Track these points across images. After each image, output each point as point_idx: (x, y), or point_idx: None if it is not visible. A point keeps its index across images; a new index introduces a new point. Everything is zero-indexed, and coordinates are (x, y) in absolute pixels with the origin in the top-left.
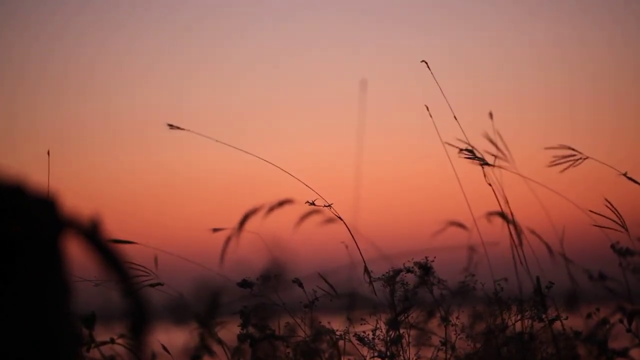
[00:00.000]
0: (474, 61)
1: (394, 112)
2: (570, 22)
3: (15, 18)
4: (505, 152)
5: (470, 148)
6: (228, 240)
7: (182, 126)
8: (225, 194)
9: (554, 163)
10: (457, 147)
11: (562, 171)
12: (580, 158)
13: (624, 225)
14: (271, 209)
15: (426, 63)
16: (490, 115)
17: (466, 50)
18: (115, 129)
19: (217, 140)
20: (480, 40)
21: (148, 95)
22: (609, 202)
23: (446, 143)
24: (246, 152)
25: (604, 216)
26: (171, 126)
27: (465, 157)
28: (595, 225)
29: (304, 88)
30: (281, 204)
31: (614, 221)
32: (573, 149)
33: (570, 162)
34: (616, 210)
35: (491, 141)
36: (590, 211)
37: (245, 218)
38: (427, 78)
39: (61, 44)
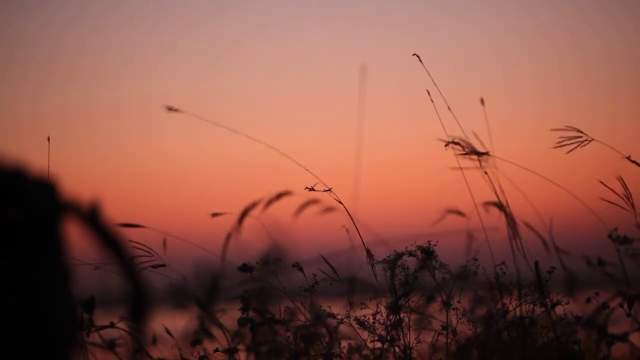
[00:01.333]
0: (468, 52)
1: (393, 100)
2: (570, 5)
3: (20, 5)
4: (491, 145)
5: (457, 141)
6: (228, 237)
7: (180, 108)
8: (226, 179)
9: (560, 144)
10: (445, 142)
11: (568, 152)
12: (586, 140)
13: (631, 203)
14: (269, 201)
15: (418, 57)
16: (482, 101)
17: (461, 40)
18: (118, 115)
19: (215, 123)
20: (476, 29)
21: (153, 81)
22: (621, 178)
23: (439, 139)
24: (245, 135)
25: (613, 190)
26: (169, 108)
27: (459, 153)
28: (602, 199)
29: (304, 75)
30: (279, 196)
31: (622, 199)
32: (579, 130)
33: (576, 144)
34: (626, 186)
35: (476, 137)
36: (601, 182)
37: (245, 213)
38: (427, 65)
39: (64, 31)
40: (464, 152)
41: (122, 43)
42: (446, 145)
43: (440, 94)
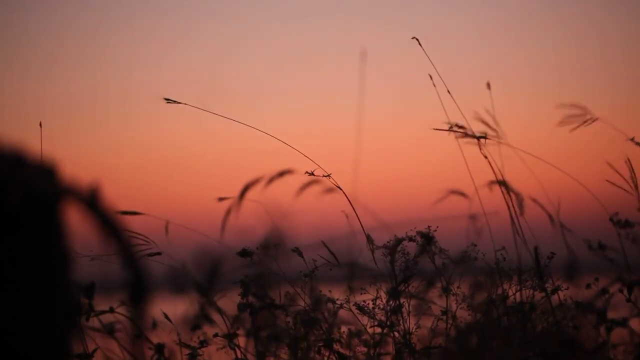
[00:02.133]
0: (470, 36)
1: (394, 83)
2: None
3: None
4: (497, 127)
5: (459, 125)
6: (229, 211)
7: (179, 100)
8: (226, 166)
9: (565, 122)
10: (445, 129)
11: (573, 130)
12: (590, 118)
13: (635, 185)
14: (271, 179)
15: (417, 40)
16: (488, 85)
17: (461, 22)
18: (118, 101)
19: (214, 113)
20: (478, 9)
21: (155, 68)
22: (628, 160)
23: (435, 129)
24: (244, 124)
25: (618, 172)
26: (168, 100)
27: (460, 137)
28: (607, 181)
29: (303, 60)
30: (281, 174)
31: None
32: (585, 108)
33: (581, 122)
34: (632, 169)
35: (482, 121)
36: (607, 163)
37: (246, 189)
38: (428, 49)
39: (58, 14)
40: (465, 135)
41: (127, 29)
42: (449, 129)
43: (440, 77)
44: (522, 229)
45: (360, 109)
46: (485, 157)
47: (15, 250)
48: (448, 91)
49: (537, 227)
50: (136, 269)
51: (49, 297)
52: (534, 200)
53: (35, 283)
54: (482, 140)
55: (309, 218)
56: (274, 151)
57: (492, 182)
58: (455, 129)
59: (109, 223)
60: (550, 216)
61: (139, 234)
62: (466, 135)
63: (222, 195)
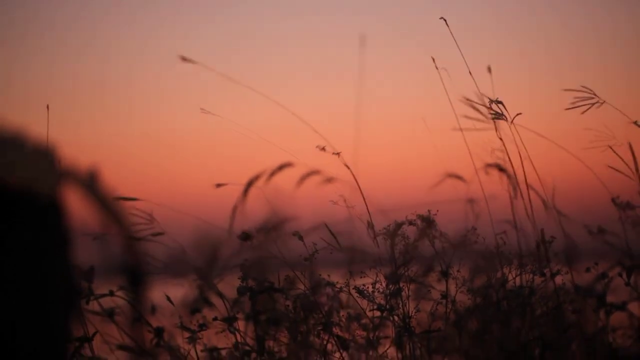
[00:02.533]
0: (474, 19)
1: (395, 67)
2: None
3: None
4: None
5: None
6: (235, 209)
7: (193, 59)
8: (229, 146)
9: (573, 105)
10: (472, 102)
11: (583, 113)
12: (598, 102)
13: (637, 169)
14: (272, 173)
15: (445, 20)
16: (489, 69)
17: (468, 5)
18: (113, 89)
19: (228, 78)
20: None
21: (151, 52)
22: (630, 145)
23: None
24: (256, 90)
25: (621, 157)
26: (184, 59)
27: (489, 112)
28: (610, 167)
29: (304, 49)
30: (281, 167)
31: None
32: (592, 92)
33: (589, 105)
34: (633, 153)
35: (489, 104)
36: (609, 147)
37: (249, 185)
38: (431, 34)
39: (74, 6)
40: (491, 113)
41: (137, 17)
42: (472, 106)
43: (463, 57)
44: (524, 213)
45: (359, 94)
46: (500, 139)
47: (15, 235)
48: (470, 72)
49: (536, 212)
50: (135, 252)
51: (49, 281)
52: (528, 186)
53: (35, 267)
54: (500, 120)
55: (307, 202)
56: (283, 125)
57: (488, 165)
58: (479, 107)
59: (107, 206)
60: (544, 201)
61: (142, 212)
62: (494, 113)
63: (220, 182)
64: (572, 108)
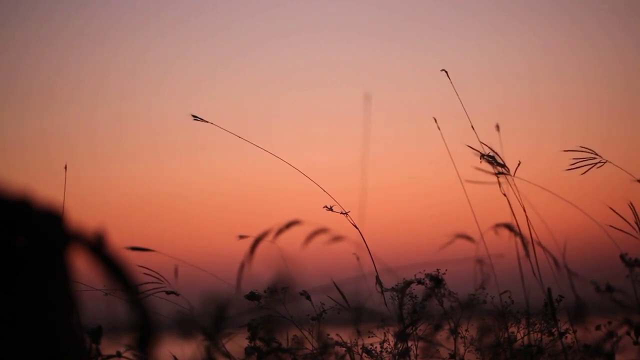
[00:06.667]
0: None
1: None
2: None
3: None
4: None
5: (492, 154)
6: (242, 266)
7: (205, 118)
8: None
9: (574, 166)
10: (477, 152)
11: (583, 174)
12: (600, 162)
13: None
14: (279, 231)
15: (446, 72)
16: (497, 127)
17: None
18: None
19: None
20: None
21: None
22: (631, 204)
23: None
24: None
25: (622, 217)
26: (195, 117)
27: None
28: (611, 226)
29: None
30: (289, 225)
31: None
32: (593, 152)
33: (590, 165)
34: (636, 212)
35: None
36: (610, 208)
37: (256, 243)
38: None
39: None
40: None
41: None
42: (481, 158)
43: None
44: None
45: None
46: (505, 195)
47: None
48: (472, 127)
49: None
50: (143, 312)
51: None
52: (539, 244)
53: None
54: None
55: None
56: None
57: (498, 225)
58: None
59: (115, 268)
60: (555, 260)
61: (152, 271)
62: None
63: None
64: (572, 169)
